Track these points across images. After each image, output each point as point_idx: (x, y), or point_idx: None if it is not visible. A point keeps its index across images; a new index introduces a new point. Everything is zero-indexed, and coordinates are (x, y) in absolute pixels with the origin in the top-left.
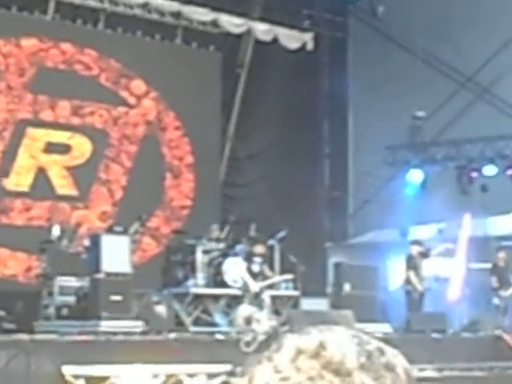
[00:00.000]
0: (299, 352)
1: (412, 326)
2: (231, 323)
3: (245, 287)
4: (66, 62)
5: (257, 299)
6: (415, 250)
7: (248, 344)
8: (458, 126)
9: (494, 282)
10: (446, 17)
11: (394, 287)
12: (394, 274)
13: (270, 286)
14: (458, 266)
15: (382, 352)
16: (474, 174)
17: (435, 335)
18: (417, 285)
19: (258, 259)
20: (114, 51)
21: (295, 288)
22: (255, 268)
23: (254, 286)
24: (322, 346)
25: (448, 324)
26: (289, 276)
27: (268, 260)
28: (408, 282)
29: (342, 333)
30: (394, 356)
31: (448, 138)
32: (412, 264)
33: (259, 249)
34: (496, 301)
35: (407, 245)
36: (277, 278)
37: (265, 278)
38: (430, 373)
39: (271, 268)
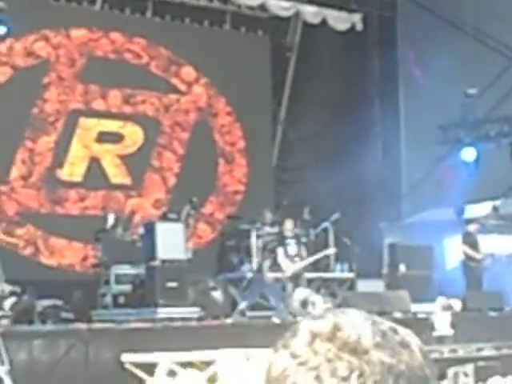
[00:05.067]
0: (315, 335)
1: (469, 304)
2: (287, 307)
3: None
4: (115, 52)
5: (295, 283)
6: (473, 227)
7: None
8: (510, 102)
9: None
10: None
11: (451, 266)
12: (450, 252)
13: (306, 267)
14: None
15: (395, 331)
16: None
17: (492, 313)
18: (478, 257)
19: (291, 241)
20: (162, 39)
21: (350, 270)
22: (291, 250)
23: (288, 271)
24: (336, 327)
25: (505, 302)
26: (330, 251)
27: (323, 243)
28: (468, 258)
29: (356, 314)
30: (408, 335)
31: (501, 115)
32: (470, 241)
33: (289, 225)
34: None
35: (463, 223)
36: (315, 257)
37: (302, 258)
38: (488, 351)
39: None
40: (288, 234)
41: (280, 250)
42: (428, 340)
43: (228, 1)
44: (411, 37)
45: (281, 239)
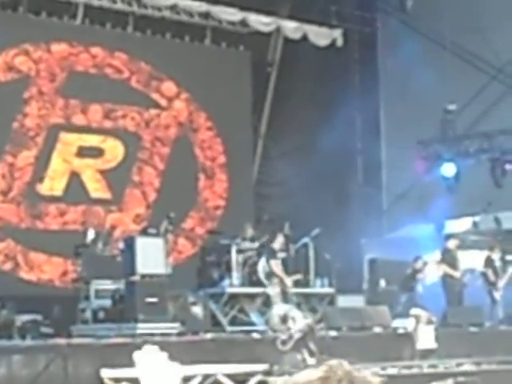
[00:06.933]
0: None
1: (449, 320)
2: (267, 322)
3: (280, 284)
4: (96, 66)
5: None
6: (452, 243)
7: (284, 342)
8: (490, 118)
9: (491, 275)
10: (475, 9)
11: (431, 281)
12: (431, 268)
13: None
14: None
15: None
16: (508, 166)
17: (473, 329)
18: (456, 276)
19: (280, 255)
20: (143, 54)
21: (331, 285)
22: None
23: (289, 281)
24: None
25: (485, 317)
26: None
27: (303, 258)
28: (446, 275)
29: None
30: None
31: (480, 131)
32: (449, 258)
33: (280, 240)
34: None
35: (442, 239)
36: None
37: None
38: (468, 367)
39: (306, 266)
40: (277, 247)
41: (276, 262)
42: (411, 355)
43: (209, 16)
44: (391, 53)
45: (272, 252)
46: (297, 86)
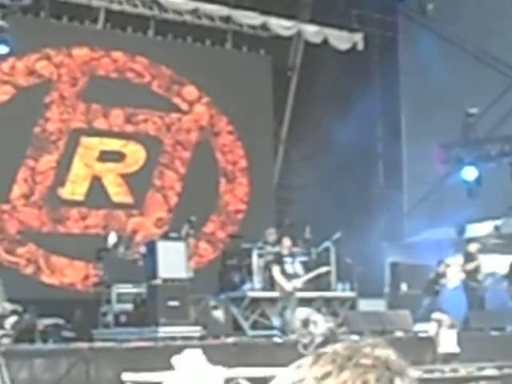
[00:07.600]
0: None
1: (471, 324)
2: (284, 326)
3: (280, 290)
4: (117, 71)
5: (290, 299)
6: (474, 247)
7: (306, 346)
8: (511, 122)
9: None
10: (496, 11)
11: (453, 286)
12: (452, 272)
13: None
14: None
15: None
16: None
17: (495, 333)
18: (478, 278)
19: (288, 259)
20: (164, 58)
21: (352, 289)
22: (288, 269)
23: (289, 286)
24: None
25: (507, 322)
26: (324, 269)
27: (325, 262)
28: (469, 278)
29: None
30: None
31: (502, 134)
32: (471, 261)
33: (286, 243)
34: None
35: (464, 243)
36: (311, 274)
37: (298, 278)
38: (490, 371)
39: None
40: (285, 252)
41: (276, 268)
42: (432, 359)
43: (230, 20)
44: (412, 56)
45: (278, 257)
46: (317, 90)
